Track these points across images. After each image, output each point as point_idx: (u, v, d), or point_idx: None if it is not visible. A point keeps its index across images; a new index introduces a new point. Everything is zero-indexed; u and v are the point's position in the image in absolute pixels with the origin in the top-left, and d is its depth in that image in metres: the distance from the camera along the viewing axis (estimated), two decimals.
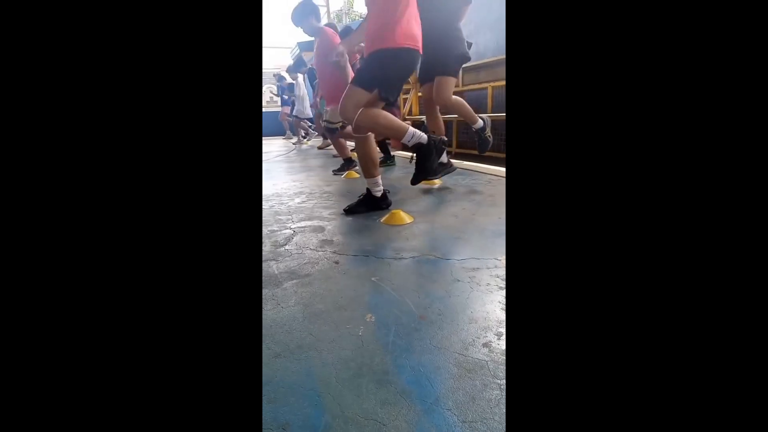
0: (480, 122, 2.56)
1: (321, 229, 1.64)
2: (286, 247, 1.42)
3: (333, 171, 3.30)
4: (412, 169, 2.12)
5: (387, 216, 1.70)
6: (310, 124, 6.72)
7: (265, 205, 2.14)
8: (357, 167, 3.23)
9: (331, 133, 3.24)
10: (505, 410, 0.59)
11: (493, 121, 2.86)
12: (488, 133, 2.62)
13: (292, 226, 1.69)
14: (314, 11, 2.92)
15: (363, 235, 1.53)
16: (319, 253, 1.34)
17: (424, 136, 1.83)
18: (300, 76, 6.34)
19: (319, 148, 5.67)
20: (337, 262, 1.24)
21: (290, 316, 0.92)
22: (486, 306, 0.92)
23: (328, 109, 3.16)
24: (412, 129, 1.81)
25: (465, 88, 4.34)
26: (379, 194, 1.88)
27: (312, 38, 3.03)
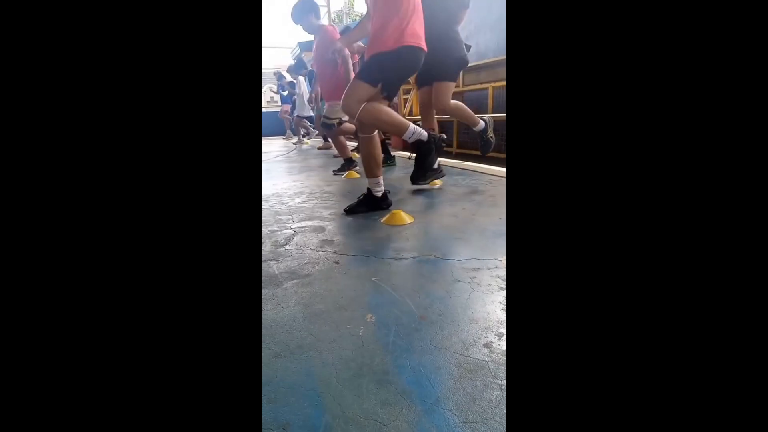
0: (481, 124, 2.55)
1: (321, 229, 1.64)
2: (287, 247, 1.42)
3: (333, 171, 3.30)
4: (412, 169, 2.13)
5: (387, 216, 1.70)
6: (311, 124, 6.72)
7: (265, 205, 2.14)
8: (357, 167, 3.23)
9: (328, 128, 3.23)
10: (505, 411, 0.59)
11: (495, 121, 2.86)
12: (490, 134, 2.61)
13: (293, 226, 1.69)
14: (314, 9, 2.92)
15: (363, 236, 1.53)
16: (320, 253, 1.34)
17: (425, 133, 1.84)
18: (300, 78, 6.35)
19: (320, 148, 5.67)
20: (337, 262, 1.24)
21: (291, 316, 0.92)
22: (486, 306, 0.92)
23: (326, 105, 3.17)
24: (413, 126, 1.82)
25: (465, 88, 4.34)
26: (379, 194, 1.88)
27: (312, 37, 3.04)
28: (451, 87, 2.38)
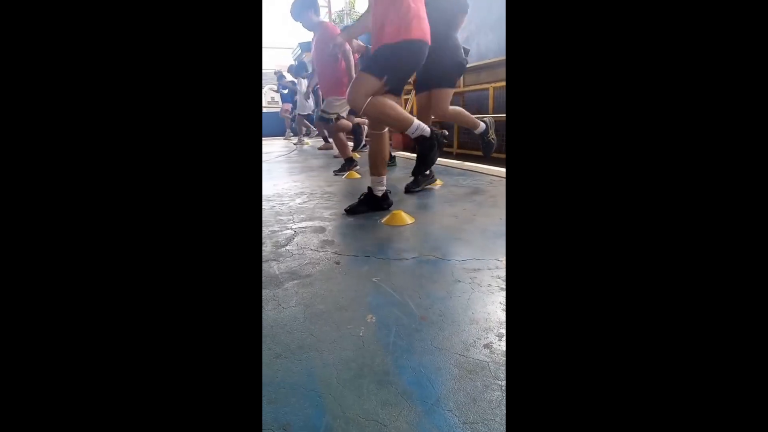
0: (482, 126, 2.55)
1: (322, 229, 1.64)
2: (287, 247, 1.42)
3: (334, 171, 3.30)
4: (412, 168, 2.13)
5: (388, 216, 1.70)
6: (310, 123, 6.74)
7: (266, 205, 2.14)
8: (358, 167, 3.23)
9: (325, 123, 3.23)
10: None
11: (495, 122, 2.85)
12: (492, 135, 2.60)
13: (293, 227, 1.69)
14: (313, 5, 2.91)
15: (364, 236, 1.53)
16: (320, 253, 1.34)
17: (427, 129, 1.86)
18: (301, 80, 6.36)
19: (320, 148, 5.68)
20: (338, 263, 1.24)
21: (291, 316, 0.92)
22: (487, 307, 0.92)
23: (325, 100, 3.17)
24: (417, 121, 1.83)
25: (466, 89, 4.34)
26: (380, 194, 1.88)
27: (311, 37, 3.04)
28: (450, 93, 2.38)
